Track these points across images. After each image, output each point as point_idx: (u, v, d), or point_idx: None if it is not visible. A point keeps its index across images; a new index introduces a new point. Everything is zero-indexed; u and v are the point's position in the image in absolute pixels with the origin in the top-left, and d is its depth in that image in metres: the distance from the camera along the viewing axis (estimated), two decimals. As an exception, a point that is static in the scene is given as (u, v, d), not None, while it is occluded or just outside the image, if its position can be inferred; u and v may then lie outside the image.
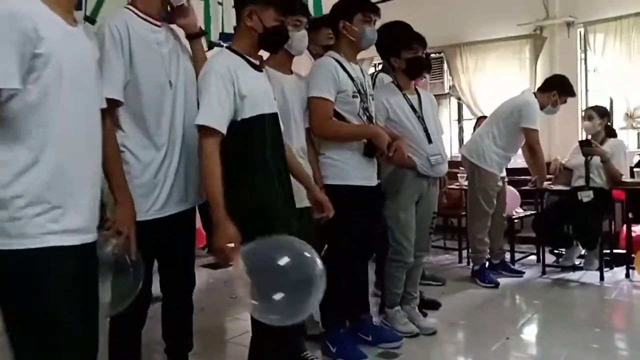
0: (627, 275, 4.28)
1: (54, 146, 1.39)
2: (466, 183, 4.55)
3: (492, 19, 6.20)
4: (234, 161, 1.98)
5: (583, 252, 4.58)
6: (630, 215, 4.38)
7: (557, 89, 4.27)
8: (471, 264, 4.50)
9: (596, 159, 4.29)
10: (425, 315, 3.35)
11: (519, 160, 4.80)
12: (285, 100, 2.49)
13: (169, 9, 2.16)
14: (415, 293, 3.27)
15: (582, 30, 5.85)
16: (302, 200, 2.39)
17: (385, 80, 3.30)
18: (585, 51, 5.91)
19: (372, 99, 2.86)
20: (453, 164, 4.44)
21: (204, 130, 1.94)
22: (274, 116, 2.12)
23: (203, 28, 4.40)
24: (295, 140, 2.53)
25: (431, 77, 6.79)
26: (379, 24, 2.84)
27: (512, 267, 4.60)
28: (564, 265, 4.60)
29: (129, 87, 1.98)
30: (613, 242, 4.62)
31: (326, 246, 2.81)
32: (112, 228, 1.76)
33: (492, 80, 6.28)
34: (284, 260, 1.73)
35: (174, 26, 2.21)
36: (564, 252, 4.70)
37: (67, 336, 1.42)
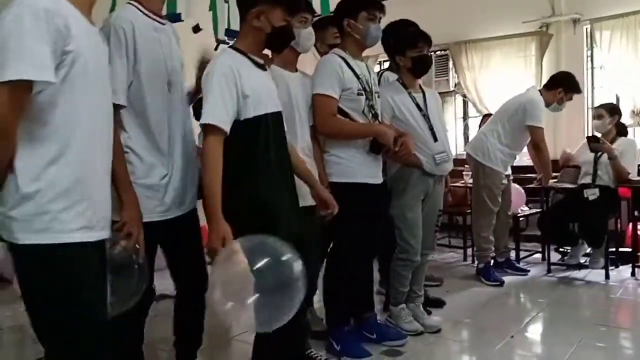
0: (633, 274, 4.26)
1: (77, 142, 1.40)
2: (471, 181, 4.55)
3: (497, 16, 6.18)
4: (237, 161, 1.98)
5: (588, 250, 4.57)
6: (636, 213, 4.36)
7: (563, 86, 4.25)
8: (476, 262, 4.49)
9: (605, 157, 4.27)
10: (429, 313, 3.35)
11: (524, 158, 4.79)
12: (290, 98, 2.49)
13: None
14: (420, 291, 3.27)
15: (588, 27, 5.82)
16: (304, 198, 2.38)
17: (391, 79, 3.30)
18: (591, 48, 5.88)
19: (378, 97, 2.85)
20: (458, 161, 4.43)
21: (208, 129, 1.94)
22: (277, 115, 2.12)
23: (211, 25, 4.41)
24: (300, 139, 2.52)
25: (436, 75, 6.78)
26: (384, 21, 2.83)
27: (517, 265, 4.59)
28: (569, 263, 4.59)
29: (132, 88, 1.98)
30: (619, 241, 4.60)
31: (332, 244, 2.83)
32: (123, 230, 1.77)
33: (498, 78, 6.25)
34: (258, 264, 1.72)
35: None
36: (569, 250, 4.69)
37: (97, 332, 1.44)
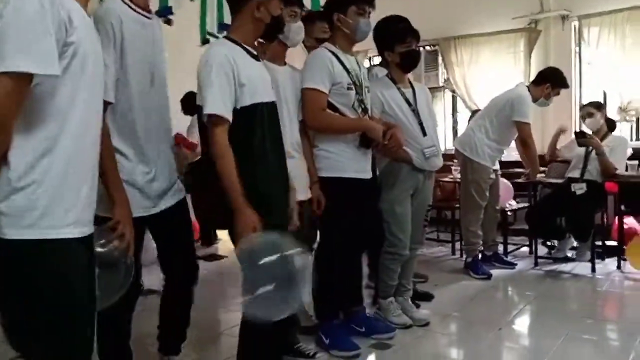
0: (619, 267, 4.32)
1: (68, 136, 1.36)
2: (459, 176, 4.57)
3: (487, 12, 6.19)
4: (234, 149, 1.99)
5: (575, 244, 4.62)
6: (622, 207, 4.42)
7: (550, 81, 4.28)
8: (464, 256, 4.52)
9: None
10: (418, 306, 3.37)
11: (512, 153, 4.82)
12: (278, 92, 2.47)
13: None
14: (409, 285, 3.29)
15: (577, 23, 5.86)
16: (297, 192, 2.38)
17: (380, 75, 3.31)
18: (579, 44, 5.92)
19: (368, 91, 2.86)
20: (447, 156, 4.44)
21: (213, 120, 1.96)
22: (272, 106, 2.14)
23: (198, 23, 4.40)
24: (289, 134, 2.51)
25: (425, 70, 6.80)
26: (375, 16, 2.83)
27: (505, 259, 4.63)
28: (556, 257, 4.64)
29: (118, 85, 1.97)
30: (605, 234, 4.66)
31: (318, 238, 2.83)
32: (116, 230, 1.73)
33: (487, 74, 6.27)
34: (265, 259, 1.77)
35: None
36: (556, 244, 4.74)
37: (78, 335, 1.41)
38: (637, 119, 5.71)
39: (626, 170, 4.42)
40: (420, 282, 3.98)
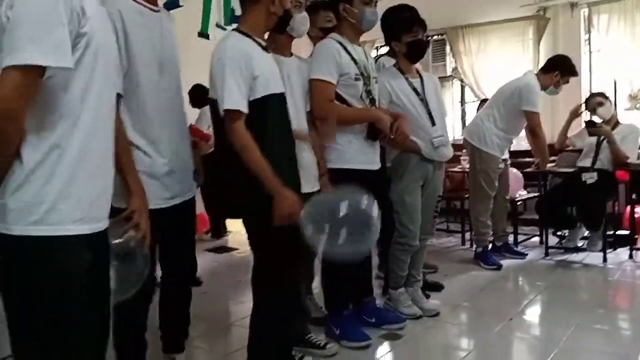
0: (631, 256, 4.29)
1: (81, 129, 1.33)
2: (468, 166, 4.55)
3: (494, 0, 6.14)
4: None
5: (586, 233, 4.59)
6: (633, 196, 4.38)
7: (559, 69, 4.23)
8: (474, 246, 4.51)
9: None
10: (428, 297, 3.37)
11: (522, 142, 4.79)
12: (284, 83, 2.47)
13: None
14: (419, 275, 3.28)
15: (586, 11, 5.80)
16: (305, 184, 2.37)
17: (387, 65, 3.29)
18: (589, 32, 5.86)
19: (376, 82, 2.85)
20: (456, 146, 4.41)
21: (231, 114, 1.96)
22: (282, 97, 2.15)
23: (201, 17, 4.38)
24: (295, 125, 2.49)
25: (433, 60, 6.76)
26: (382, 5, 2.81)
27: (515, 249, 4.62)
28: (567, 246, 4.61)
29: (126, 77, 1.95)
30: (616, 224, 4.61)
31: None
32: (131, 221, 1.71)
33: (495, 62, 6.23)
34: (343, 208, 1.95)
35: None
36: (567, 234, 4.71)
37: (78, 334, 1.37)
38: (648, 107, 5.66)
39: (638, 158, 4.37)
40: (430, 272, 3.98)
